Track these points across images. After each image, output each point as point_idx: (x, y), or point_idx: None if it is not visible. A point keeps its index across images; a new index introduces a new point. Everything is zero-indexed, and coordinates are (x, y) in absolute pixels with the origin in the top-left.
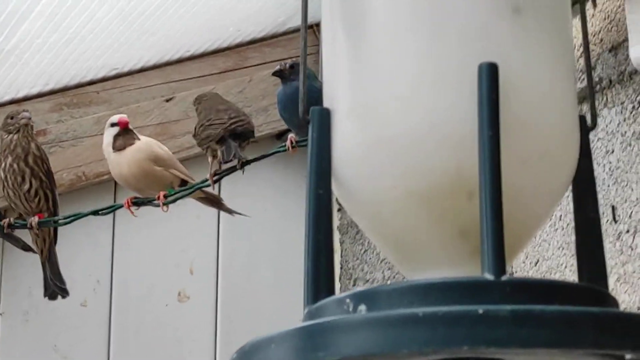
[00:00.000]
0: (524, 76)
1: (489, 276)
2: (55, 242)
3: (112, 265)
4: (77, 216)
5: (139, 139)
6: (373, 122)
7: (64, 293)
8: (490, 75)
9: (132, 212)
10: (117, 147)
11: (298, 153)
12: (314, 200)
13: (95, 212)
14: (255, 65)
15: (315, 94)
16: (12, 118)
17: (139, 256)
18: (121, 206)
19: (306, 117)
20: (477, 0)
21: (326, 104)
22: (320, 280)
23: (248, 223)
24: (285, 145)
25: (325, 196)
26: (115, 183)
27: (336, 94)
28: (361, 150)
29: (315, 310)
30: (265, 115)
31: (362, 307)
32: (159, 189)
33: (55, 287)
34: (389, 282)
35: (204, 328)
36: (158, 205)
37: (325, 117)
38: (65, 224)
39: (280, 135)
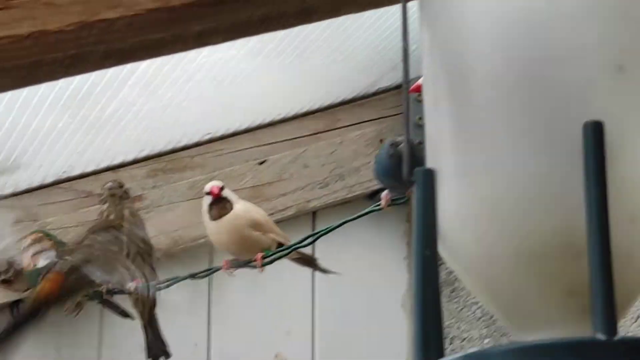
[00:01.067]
0: (630, 133)
1: (601, 336)
2: (154, 306)
3: (209, 328)
4: (175, 280)
5: (232, 206)
6: (479, 183)
7: (167, 355)
8: (595, 133)
9: (230, 274)
10: (213, 217)
11: (389, 212)
12: (421, 261)
13: (193, 276)
14: (346, 127)
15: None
16: (104, 188)
17: (235, 319)
18: (218, 269)
19: (410, 178)
20: (581, 59)
21: (430, 164)
22: (429, 342)
23: (342, 283)
24: (379, 205)
25: (431, 257)
26: (211, 245)
27: (440, 154)
28: (468, 211)
29: None
30: (357, 176)
31: None
32: (256, 251)
33: (157, 349)
34: (485, 340)
35: None
36: (255, 267)
37: (430, 178)
38: (163, 288)
39: (372, 195)
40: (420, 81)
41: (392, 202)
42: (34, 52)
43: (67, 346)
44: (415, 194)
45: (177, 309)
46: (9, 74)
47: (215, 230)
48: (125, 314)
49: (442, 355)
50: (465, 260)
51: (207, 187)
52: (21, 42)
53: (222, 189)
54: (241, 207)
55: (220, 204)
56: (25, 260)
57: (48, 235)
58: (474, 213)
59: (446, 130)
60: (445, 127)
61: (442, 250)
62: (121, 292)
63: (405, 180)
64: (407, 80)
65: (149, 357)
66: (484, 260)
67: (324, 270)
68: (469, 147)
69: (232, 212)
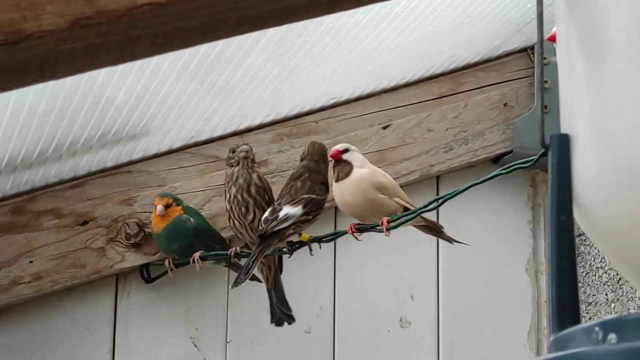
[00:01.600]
0: None
1: None
2: (280, 271)
3: (335, 292)
4: (300, 245)
5: (352, 169)
6: (616, 149)
7: (290, 319)
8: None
9: (356, 238)
10: (337, 178)
11: (514, 177)
12: (556, 227)
13: (318, 240)
14: (470, 90)
15: None
16: (233, 152)
17: (360, 282)
18: (344, 233)
19: (545, 143)
20: None
21: (565, 129)
22: (565, 307)
23: (466, 247)
24: (505, 168)
25: (567, 223)
26: (335, 211)
27: (575, 120)
28: (604, 176)
29: (562, 338)
30: (481, 140)
31: (612, 337)
32: (381, 216)
33: (281, 314)
34: (612, 305)
35: (426, 354)
36: (381, 231)
37: (565, 144)
38: (293, 251)
39: (497, 159)
40: (554, 30)
41: (517, 166)
42: (172, 19)
43: (195, 308)
44: (550, 159)
45: (302, 273)
46: (146, 41)
47: (338, 191)
48: (252, 277)
49: (577, 321)
50: (601, 226)
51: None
52: (160, 9)
53: (343, 152)
54: (366, 170)
55: (339, 166)
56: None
57: (176, 200)
58: (611, 180)
59: (583, 97)
60: (582, 93)
61: (578, 216)
62: (248, 255)
63: (540, 146)
64: (540, 40)
65: (272, 321)
66: (621, 226)
67: (449, 239)
68: (608, 114)
69: (354, 174)
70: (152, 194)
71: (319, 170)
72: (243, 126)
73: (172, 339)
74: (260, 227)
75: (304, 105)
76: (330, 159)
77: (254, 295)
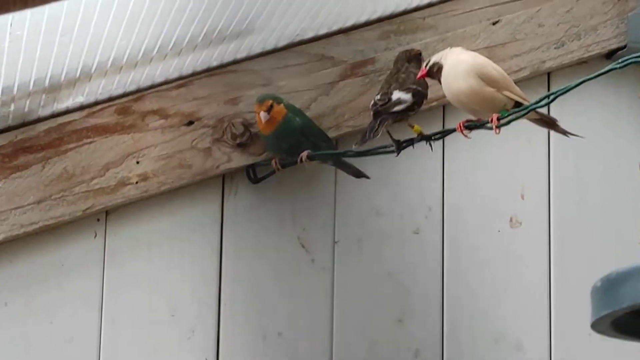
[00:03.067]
0: None
1: None
2: None
3: (443, 191)
4: (408, 142)
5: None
6: None
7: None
8: None
9: (465, 135)
10: (436, 75)
11: (628, 72)
12: None
13: (426, 138)
14: None
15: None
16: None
17: (469, 182)
18: (453, 130)
19: None
20: None
21: None
22: None
23: (578, 146)
24: (619, 63)
25: None
26: (444, 109)
27: None
28: None
29: None
30: (594, 35)
31: None
32: (491, 111)
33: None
34: None
35: (537, 254)
36: (491, 128)
37: None
38: (400, 149)
39: (610, 55)
40: None
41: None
42: None
43: (303, 208)
44: None
45: (410, 173)
46: None
47: (444, 88)
48: (359, 174)
49: None
50: None
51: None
52: None
53: (433, 67)
54: (466, 55)
55: (434, 71)
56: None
57: (276, 99)
58: None
59: None
60: None
61: None
62: (358, 154)
63: None
64: None
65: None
66: None
67: (564, 132)
68: None
69: (449, 61)
70: (257, 93)
71: (416, 71)
72: (349, 23)
73: (279, 239)
74: (373, 107)
75: (411, 1)
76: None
77: (362, 195)
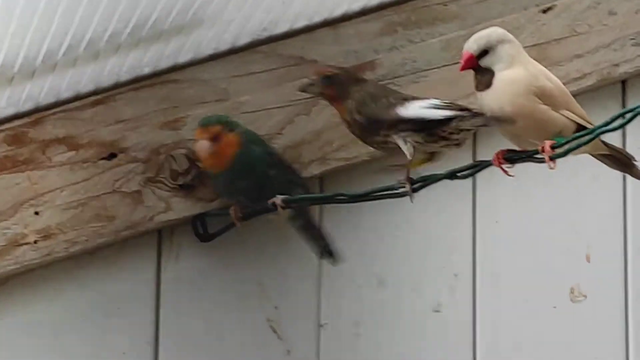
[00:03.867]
0: None
1: None
2: None
3: (475, 252)
4: (431, 179)
5: (493, 75)
6: None
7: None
8: None
9: (505, 172)
10: (481, 86)
11: None
12: None
13: (453, 174)
14: None
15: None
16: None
17: (510, 238)
18: (488, 164)
19: None
20: None
21: None
22: None
23: None
24: None
25: None
26: (475, 135)
27: None
28: None
29: None
30: None
31: None
32: (544, 136)
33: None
34: None
35: (609, 339)
36: (542, 161)
37: None
38: (418, 189)
39: None
40: None
41: None
42: None
43: (274, 277)
44: None
45: (428, 225)
46: None
47: (483, 103)
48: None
49: None
50: None
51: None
52: None
53: (480, 56)
54: (518, 70)
55: (478, 75)
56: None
57: (227, 124)
58: None
59: None
60: None
61: None
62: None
63: None
64: None
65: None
66: None
67: None
68: None
69: (498, 80)
70: (208, 113)
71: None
72: (338, 12)
73: (240, 322)
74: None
75: None
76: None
77: (359, 259)
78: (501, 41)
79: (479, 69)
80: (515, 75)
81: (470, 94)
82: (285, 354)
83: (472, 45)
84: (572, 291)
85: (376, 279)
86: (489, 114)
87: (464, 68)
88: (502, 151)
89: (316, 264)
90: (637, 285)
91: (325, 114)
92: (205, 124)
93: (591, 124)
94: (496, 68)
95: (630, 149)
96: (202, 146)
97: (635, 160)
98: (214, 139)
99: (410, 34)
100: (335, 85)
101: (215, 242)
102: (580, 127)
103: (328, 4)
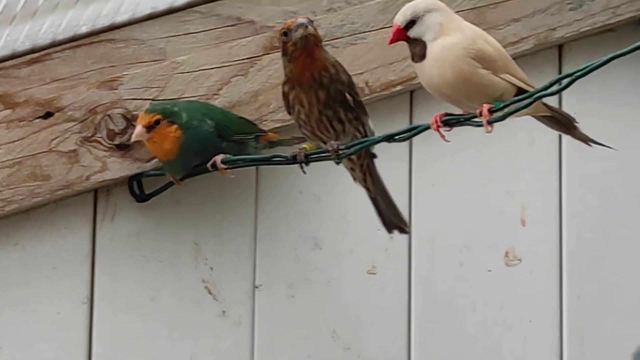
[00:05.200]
0: None
1: None
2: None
3: (410, 215)
4: (365, 143)
5: (427, 44)
6: None
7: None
8: None
9: (442, 136)
10: (416, 57)
11: None
12: None
13: (389, 137)
14: None
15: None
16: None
17: (446, 201)
18: (426, 127)
19: None
20: None
21: None
22: None
23: (603, 155)
24: None
25: None
26: (412, 95)
27: None
28: None
29: None
30: None
31: None
32: (483, 101)
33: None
34: None
35: (544, 304)
36: (480, 125)
37: None
38: (349, 155)
39: None
40: None
41: None
42: None
43: (210, 237)
44: None
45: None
46: None
47: (422, 72)
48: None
49: None
50: None
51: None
52: None
53: (407, 26)
54: (454, 36)
55: (410, 46)
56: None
57: (170, 115)
58: None
59: None
60: None
61: None
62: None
63: None
64: None
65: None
66: None
67: (586, 140)
68: None
69: (432, 50)
70: (144, 72)
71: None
72: None
73: (175, 283)
74: None
75: None
76: (389, 44)
77: (295, 221)
78: (429, 10)
79: (410, 40)
80: (452, 41)
81: (407, 56)
82: (221, 315)
83: (399, 17)
84: (507, 254)
85: (312, 241)
86: (429, 84)
87: (392, 41)
88: (440, 114)
89: (252, 225)
90: (572, 249)
91: (263, 75)
92: (147, 111)
93: (532, 87)
94: (426, 38)
95: (565, 108)
96: (137, 132)
97: (577, 122)
98: (151, 127)
99: None
100: (318, 35)
101: (152, 202)
102: (520, 91)
103: None
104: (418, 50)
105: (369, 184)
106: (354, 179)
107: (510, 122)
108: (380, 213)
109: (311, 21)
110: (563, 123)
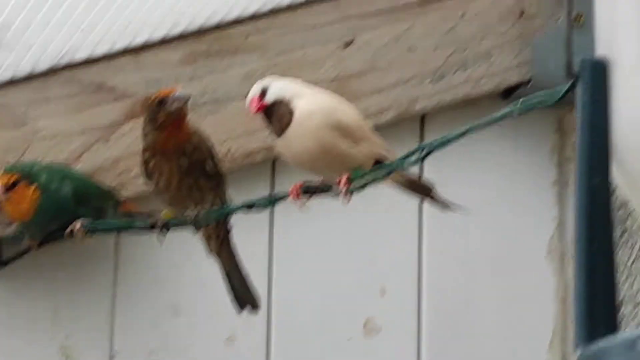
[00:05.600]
0: None
1: None
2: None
3: (270, 282)
4: (223, 211)
5: (292, 108)
6: None
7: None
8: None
9: (302, 206)
10: (277, 132)
11: (532, 118)
12: (586, 193)
13: (249, 206)
14: None
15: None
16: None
17: (306, 269)
18: (284, 196)
19: (573, 71)
20: None
21: (602, 50)
22: (595, 310)
23: (463, 220)
24: (517, 106)
25: (602, 188)
26: (273, 164)
27: (620, 39)
28: None
29: (593, 355)
30: (486, 64)
31: None
32: (342, 170)
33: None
34: None
35: None
36: (339, 194)
37: (601, 72)
38: (207, 223)
39: (509, 93)
40: None
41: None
42: None
43: (68, 305)
44: (579, 94)
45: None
46: None
47: (282, 145)
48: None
49: (614, 327)
50: None
51: (256, 88)
52: None
53: (263, 94)
54: (314, 102)
55: (276, 114)
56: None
57: (29, 176)
58: None
59: (628, 3)
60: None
61: (618, 174)
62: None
63: (566, 74)
64: None
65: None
66: None
67: (443, 205)
68: None
69: (304, 110)
70: (5, 138)
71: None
72: (139, 40)
73: (32, 349)
74: None
75: (228, 11)
76: (253, 113)
77: (155, 287)
78: (277, 80)
79: (269, 108)
80: (312, 109)
81: None
82: None
83: (252, 93)
84: (366, 324)
85: (171, 308)
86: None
87: (256, 109)
88: (300, 183)
89: (111, 292)
90: (431, 319)
91: (124, 142)
92: (6, 170)
93: (391, 157)
94: (286, 98)
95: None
96: None
97: (434, 188)
98: (7, 187)
99: (211, 64)
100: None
101: (9, 268)
102: (379, 161)
103: (129, 32)
104: (283, 114)
105: (224, 257)
106: (209, 250)
107: (370, 191)
108: (232, 288)
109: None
110: (421, 189)
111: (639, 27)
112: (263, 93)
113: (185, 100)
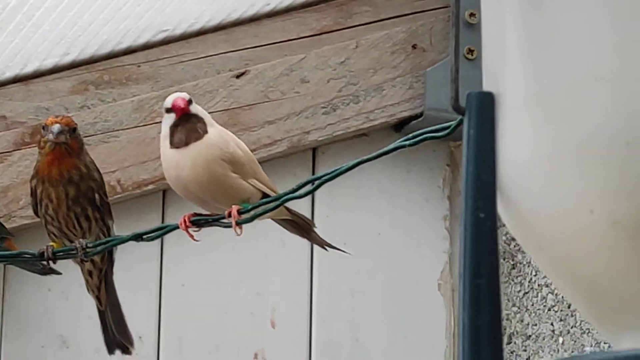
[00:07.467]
0: None
1: None
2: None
3: (160, 315)
4: (112, 242)
5: (206, 129)
6: (565, 113)
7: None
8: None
9: (191, 236)
10: (176, 143)
11: (424, 151)
12: (472, 227)
13: (138, 237)
14: (363, 25)
15: None
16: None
17: (196, 302)
18: (175, 227)
19: (459, 105)
20: None
21: (488, 86)
22: (481, 343)
23: (354, 254)
24: (408, 139)
25: (487, 221)
26: (164, 195)
27: (505, 74)
28: (545, 154)
29: None
30: (378, 97)
31: None
32: (231, 203)
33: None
34: (560, 339)
35: None
36: (229, 225)
37: (488, 106)
38: (95, 253)
39: (400, 126)
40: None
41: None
42: None
43: None
44: (465, 129)
45: (121, 276)
46: None
47: (175, 162)
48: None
49: None
50: (537, 229)
51: (169, 100)
52: None
53: (189, 102)
54: (217, 132)
55: (189, 125)
56: None
57: None
58: (554, 158)
59: (514, 40)
60: (513, 35)
61: (503, 210)
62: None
63: (453, 108)
64: None
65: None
66: (566, 230)
67: (322, 244)
68: (550, 64)
69: (206, 138)
70: None
71: None
72: (29, 69)
73: None
74: None
75: (120, 40)
76: (172, 111)
77: (41, 319)
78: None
79: (189, 116)
80: (213, 140)
81: (160, 156)
82: None
83: (180, 94)
84: (256, 356)
85: (59, 339)
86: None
87: (177, 108)
88: (189, 214)
89: None
90: (321, 352)
91: (13, 171)
92: None
93: (276, 192)
94: (207, 120)
95: (318, 216)
96: None
97: (315, 226)
98: None
99: (103, 93)
100: (77, 139)
101: None
102: (265, 195)
103: (19, 60)
104: (195, 131)
105: (102, 295)
106: (88, 287)
107: (261, 224)
108: (104, 329)
109: (72, 129)
110: (302, 227)
111: (522, 65)
112: (189, 102)
113: (57, 134)
